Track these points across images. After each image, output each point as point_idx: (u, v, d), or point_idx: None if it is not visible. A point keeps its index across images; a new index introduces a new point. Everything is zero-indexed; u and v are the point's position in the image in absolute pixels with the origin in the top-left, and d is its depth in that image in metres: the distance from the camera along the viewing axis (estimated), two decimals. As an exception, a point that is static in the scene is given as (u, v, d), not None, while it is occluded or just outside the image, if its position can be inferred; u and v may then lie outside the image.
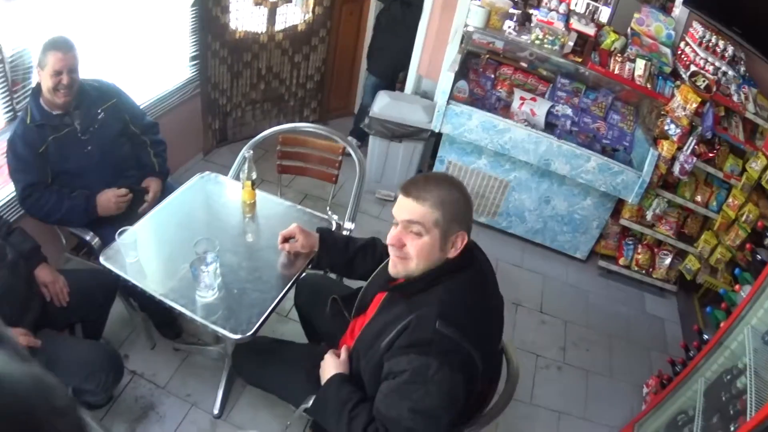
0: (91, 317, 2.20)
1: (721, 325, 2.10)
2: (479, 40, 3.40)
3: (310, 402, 1.60)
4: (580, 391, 2.77)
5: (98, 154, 2.30)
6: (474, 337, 1.37)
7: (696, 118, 2.86)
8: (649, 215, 3.30)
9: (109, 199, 2.29)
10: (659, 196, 3.23)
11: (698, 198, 3.19)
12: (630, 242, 3.51)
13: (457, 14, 3.39)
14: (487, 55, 3.54)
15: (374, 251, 1.87)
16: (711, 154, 3.03)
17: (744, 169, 2.93)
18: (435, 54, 3.65)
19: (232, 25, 3.49)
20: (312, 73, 4.15)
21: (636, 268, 3.47)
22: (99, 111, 2.31)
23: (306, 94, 4.25)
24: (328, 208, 2.64)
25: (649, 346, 3.12)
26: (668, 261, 3.41)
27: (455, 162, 3.44)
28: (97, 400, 2.11)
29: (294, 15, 3.78)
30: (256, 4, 3.52)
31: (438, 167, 3.48)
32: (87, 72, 2.31)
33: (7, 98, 2.29)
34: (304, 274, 2.02)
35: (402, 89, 3.92)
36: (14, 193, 2.28)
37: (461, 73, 3.35)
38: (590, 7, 3.09)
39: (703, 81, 2.79)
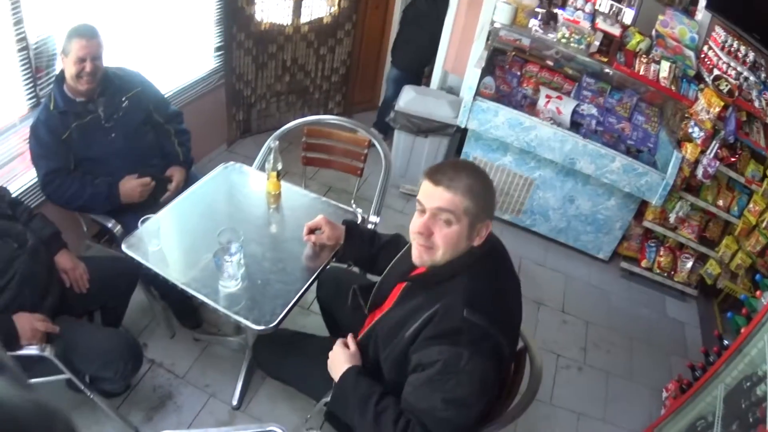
0: (112, 305, 2.20)
1: (742, 330, 2.05)
2: (506, 37, 3.37)
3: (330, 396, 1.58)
4: (599, 392, 2.74)
5: (122, 141, 2.29)
6: (500, 324, 1.36)
7: (719, 122, 2.82)
8: (672, 218, 3.25)
9: (133, 187, 2.28)
10: (682, 199, 3.18)
11: (720, 202, 3.15)
12: (652, 244, 3.47)
13: (483, 10, 3.35)
14: (513, 53, 3.51)
15: (397, 248, 1.84)
16: (733, 159, 3.00)
17: (765, 175, 2.90)
18: (461, 50, 3.61)
19: (258, 17, 3.48)
20: (337, 65, 4.14)
21: (658, 271, 3.42)
22: (123, 99, 2.30)
23: (331, 86, 4.23)
24: (352, 201, 2.63)
25: (669, 350, 3.07)
26: (690, 264, 3.36)
27: (480, 158, 3.41)
28: (115, 388, 2.12)
29: (319, 8, 3.77)
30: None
31: (464, 164, 3.46)
32: (112, 60, 2.31)
33: (31, 84, 2.29)
34: (327, 267, 2.00)
35: (428, 84, 3.90)
36: (36, 179, 2.27)
37: (487, 70, 3.32)
38: (614, 8, 3.05)
39: (726, 85, 2.76)
